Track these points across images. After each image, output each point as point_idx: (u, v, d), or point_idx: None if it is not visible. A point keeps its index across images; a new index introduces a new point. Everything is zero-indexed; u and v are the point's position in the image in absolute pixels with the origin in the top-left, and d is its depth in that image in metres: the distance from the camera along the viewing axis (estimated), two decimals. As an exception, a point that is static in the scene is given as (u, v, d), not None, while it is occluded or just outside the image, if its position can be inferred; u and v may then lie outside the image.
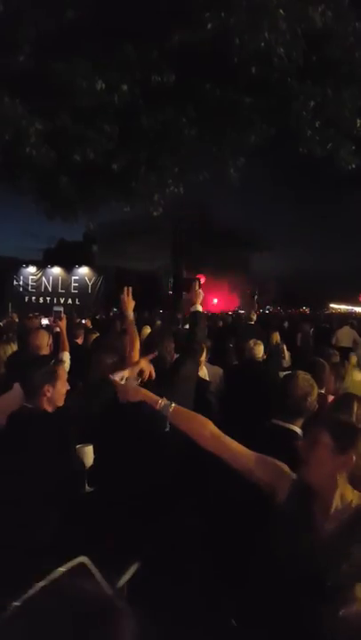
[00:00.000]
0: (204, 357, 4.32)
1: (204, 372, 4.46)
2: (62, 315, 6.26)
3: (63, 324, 4.44)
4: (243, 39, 5.64)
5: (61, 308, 16.32)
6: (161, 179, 8.50)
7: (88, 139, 7.12)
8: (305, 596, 1.66)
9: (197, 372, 3.53)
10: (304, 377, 2.65)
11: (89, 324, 10.08)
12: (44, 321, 9.86)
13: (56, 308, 17.79)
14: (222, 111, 7.27)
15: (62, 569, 1.10)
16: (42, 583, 0.98)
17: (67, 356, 4.14)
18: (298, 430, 2.54)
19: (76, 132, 7.04)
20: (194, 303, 3.39)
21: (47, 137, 6.71)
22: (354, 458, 1.73)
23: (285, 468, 1.90)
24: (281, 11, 5.38)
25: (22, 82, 6.29)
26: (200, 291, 3.48)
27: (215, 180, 9.00)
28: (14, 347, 4.70)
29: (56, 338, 4.33)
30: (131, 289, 3.49)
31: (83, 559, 1.19)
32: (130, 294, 3.45)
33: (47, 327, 6.38)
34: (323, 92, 6.88)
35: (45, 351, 3.78)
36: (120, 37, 6.16)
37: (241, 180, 8.74)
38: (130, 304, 3.43)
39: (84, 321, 10.48)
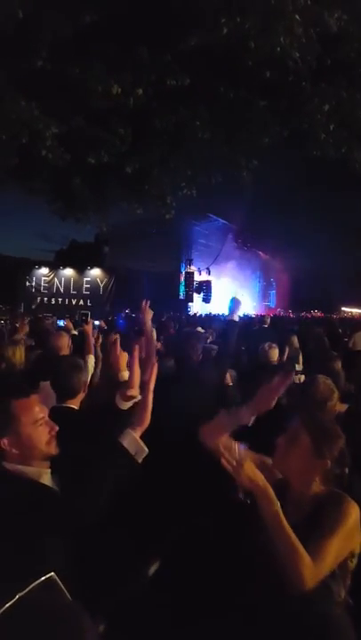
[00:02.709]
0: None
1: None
2: (89, 319, 6.35)
3: (90, 327, 4.53)
4: (258, 43, 5.65)
5: (88, 312, 16.47)
6: (174, 181, 8.54)
7: (102, 141, 7.19)
8: (272, 593, 1.71)
9: (219, 378, 3.56)
10: (325, 382, 2.65)
11: (104, 325, 10.14)
12: (60, 322, 9.92)
13: (82, 311, 17.99)
14: (236, 114, 7.29)
15: (33, 584, 1.17)
16: (13, 600, 1.05)
17: (92, 359, 4.21)
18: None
19: (90, 134, 7.11)
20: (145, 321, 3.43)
21: (62, 139, 6.79)
22: (329, 463, 1.78)
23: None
24: (296, 16, 5.38)
25: (38, 85, 6.37)
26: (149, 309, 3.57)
27: (228, 182, 9.02)
28: (22, 349, 4.67)
29: (74, 339, 4.40)
30: (149, 302, 3.60)
31: (51, 575, 1.25)
32: (147, 305, 3.56)
33: (64, 329, 6.44)
34: (337, 95, 6.87)
35: (66, 352, 3.86)
36: (135, 41, 6.21)
37: (253, 182, 8.76)
38: (148, 315, 3.54)
39: (97, 322, 10.54)
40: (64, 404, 2.72)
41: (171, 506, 2.54)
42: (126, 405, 2.32)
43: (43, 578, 1.21)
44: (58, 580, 1.25)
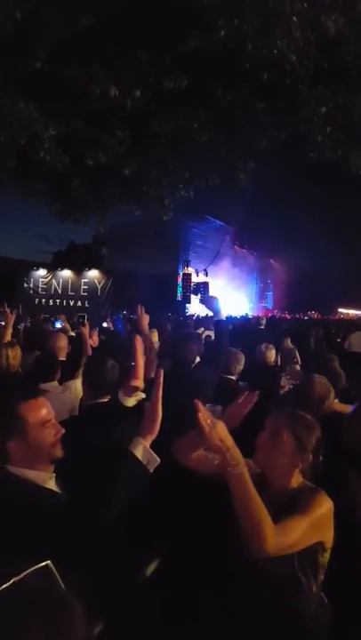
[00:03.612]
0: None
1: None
2: (85, 321, 6.38)
3: (87, 329, 4.54)
4: (255, 46, 5.67)
5: (85, 314, 16.47)
6: (172, 183, 8.57)
7: (100, 143, 7.20)
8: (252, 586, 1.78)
9: (217, 376, 3.60)
10: (321, 381, 2.67)
11: (111, 327, 10.19)
12: (58, 324, 9.94)
13: (79, 313, 18.06)
14: (233, 116, 7.32)
15: (28, 570, 1.19)
16: (8, 583, 1.08)
17: None
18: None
19: (88, 136, 7.13)
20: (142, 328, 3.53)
21: (60, 141, 6.80)
22: (311, 457, 1.85)
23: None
24: (294, 18, 5.41)
25: (37, 87, 6.38)
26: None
27: (225, 184, 9.04)
28: (18, 350, 4.61)
29: (71, 340, 4.41)
30: (143, 308, 3.64)
31: (48, 562, 1.27)
32: (143, 310, 3.60)
33: (61, 330, 6.45)
34: (334, 98, 6.90)
35: (64, 353, 3.87)
36: (133, 43, 6.23)
37: (251, 184, 8.79)
38: (144, 319, 3.57)
39: (105, 324, 10.63)
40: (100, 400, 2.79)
41: (170, 505, 2.55)
42: (130, 402, 2.32)
43: (39, 565, 1.23)
44: (53, 568, 1.26)
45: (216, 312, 3.60)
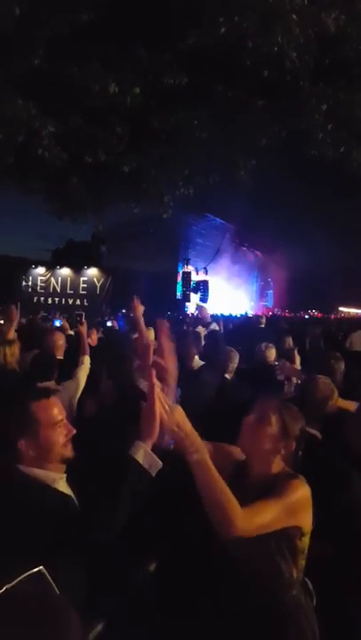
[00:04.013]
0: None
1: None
2: (83, 319, 6.36)
3: (84, 328, 4.50)
4: (255, 43, 5.64)
5: (82, 312, 16.47)
6: (171, 180, 8.53)
7: (99, 140, 7.17)
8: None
9: (219, 379, 3.59)
10: (324, 381, 2.66)
11: (115, 326, 10.17)
12: (56, 322, 9.93)
13: (77, 312, 18.07)
14: (233, 113, 7.28)
15: (22, 576, 1.18)
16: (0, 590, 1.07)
17: (87, 360, 4.19)
18: (317, 434, 2.54)
19: (87, 133, 7.10)
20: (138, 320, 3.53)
21: (59, 138, 6.77)
22: (293, 445, 1.87)
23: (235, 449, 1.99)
24: (294, 16, 5.37)
25: (35, 84, 6.35)
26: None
27: (226, 181, 9.01)
28: (17, 348, 4.57)
29: (69, 339, 4.37)
30: (139, 300, 3.61)
31: (40, 568, 1.25)
32: (139, 302, 3.58)
33: (60, 328, 6.41)
34: (335, 95, 6.86)
35: (62, 352, 3.84)
36: (133, 40, 6.20)
37: (251, 182, 8.76)
38: (139, 309, 3.55)
39: (109, 323, 10.64)
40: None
41: (170, 505, 2.53)
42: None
43: (31, 571, 1.21)
44: (47, 573, 1.24)
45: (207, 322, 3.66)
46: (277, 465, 1.89)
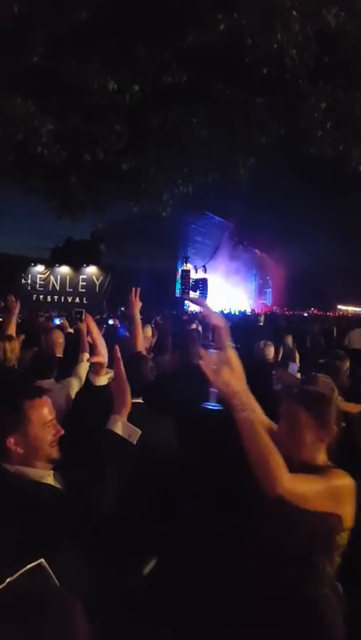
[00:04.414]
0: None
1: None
2: (83, 317, 6.33)
3: (84, 325, 4.47)
4: (255, 40, 5.63)
5: (83, 310, 16.43)
6: (170, 178, 8.52)
7: (98, 138, 7.16)
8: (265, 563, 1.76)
9: None
10: (324, 380, 2.65)
11: (117, 324, 10.13)
12: (56, 320, 9.92)
13: (77, 309, 18.10)
14: (233, 111, 7.27)
15: (22, 570, 1.18)
16: (2, 585, 1.07)
17: (86, 357, 4.19)
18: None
19: (86, 131, 7.08)
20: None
21: (58, 136, 6.75)
22: (335, 427, 1.85)
23: None
24: (294, 12, 5.36)
25: (34, 82, 6.34)
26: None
27: (225, 180, 9.00)
28: (17, 344, 4.55)
29: (68, 336, 4.36)
30: (138, 290, 3.60)
31: (41, 561, 1.25)
32: (137, 295, 3.57)
33: (60, 327, 6.40)
34: (334, 93, 6.85)
35: (61, 349, 3.84)
36: (132, 38, 6.18)
37: (250, 180, 8.76)
38: (137, 305, 3.54)
39: (111, 321, 10.61)
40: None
41: (169, 500, 2.53)
42: (102, 380, 2.31)
43: (32, 564, 1.22)
44: (47, 566, 1.25)
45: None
46: (323, 457, 1.87)
